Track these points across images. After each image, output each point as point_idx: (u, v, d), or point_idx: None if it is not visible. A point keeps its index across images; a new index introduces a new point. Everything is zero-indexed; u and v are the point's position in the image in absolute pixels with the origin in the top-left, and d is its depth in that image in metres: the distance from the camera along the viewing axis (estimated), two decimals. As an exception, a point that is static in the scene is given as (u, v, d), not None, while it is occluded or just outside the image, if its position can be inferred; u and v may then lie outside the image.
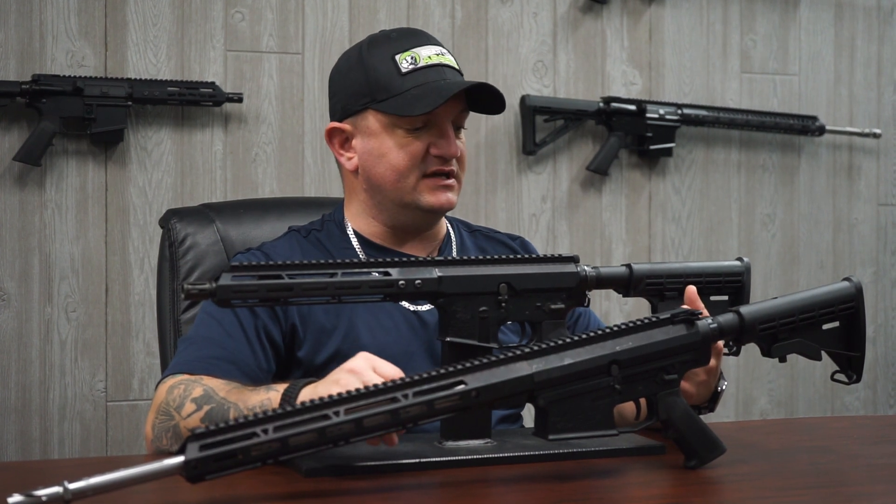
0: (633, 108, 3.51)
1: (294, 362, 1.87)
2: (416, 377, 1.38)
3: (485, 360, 1.42)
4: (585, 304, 1.74)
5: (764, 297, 1.73)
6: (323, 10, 3.25)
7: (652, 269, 1.77)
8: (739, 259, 1.84)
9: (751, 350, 1.73)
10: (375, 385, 1.37)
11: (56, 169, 3.02)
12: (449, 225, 2.03)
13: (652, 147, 3.54)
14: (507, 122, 3.44)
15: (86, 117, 3.00)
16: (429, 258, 1.67)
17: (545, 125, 3.45)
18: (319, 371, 1.85)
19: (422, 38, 1.93)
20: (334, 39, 3.25)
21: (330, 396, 1.34)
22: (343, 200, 2.02)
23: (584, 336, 1.48)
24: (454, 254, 1.99)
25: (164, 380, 1.75)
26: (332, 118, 1.96)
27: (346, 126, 1.93)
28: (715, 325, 1.57)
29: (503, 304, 1.66)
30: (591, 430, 1.48)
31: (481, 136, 3.40)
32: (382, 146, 1.89)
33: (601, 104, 3.49)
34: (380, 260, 1.66)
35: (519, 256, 1.70)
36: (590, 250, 3.52)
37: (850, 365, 1.72)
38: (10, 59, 2.99)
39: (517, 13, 3.45)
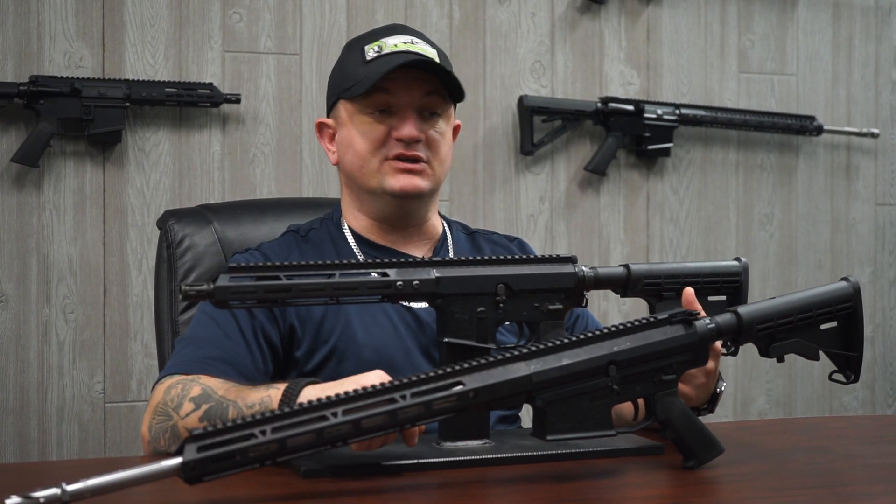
0: (630, 108, 3.51)
1: (291, 362, 1.87)
2: (414, 378, 1.38)
3: (483, 361, 1.42)
4: (583, 305, 1.74)
5: (762, 297, 1.73)
6: (321, 11, 3.25)
7: (650, 270, 1.77)
8: (737, 259, 1.84)
9: (749, 350, 1.73)
10: (373, 386, 1.36)
11: (54, 170, 3.02)
12: (446, 225, 2.04)
13: (650, 147, 3.54)
14: (505, 123, 3.44)
15: (84, 118, 2.99)
16: (426, 258, 1.67)
17: (543, 125, 3.45)
18: (316, 371, 1.85)
19: (396, 30, 1.96)
20: (332, 40, 3.25)
21: (328, 397, 1.34)
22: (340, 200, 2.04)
23: (582, 336, 1.48)
24: (450, 254, 1.99)
25: (162, 380, 1.75)
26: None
27: (329, 121, 1.99)
28: (713, 325, 1.57)
29: (501, 305, 1.66)
30: (590, 431, 1.48)
31: (479, 136, 3.40)
32: (350, 134, 1.93)
33: (599, 104, 3.49)
34: (377, 261, 1.66)
35: (517, 257, 1.70)
36: (588, 251, 3.52)
37: (848, 365, 1.72)
38: (8, 61, 2.98)
39: (515, 13, 3.45)
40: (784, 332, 1.64)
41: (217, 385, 1.68)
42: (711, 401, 1.77)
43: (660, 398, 1.53)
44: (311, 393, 1.56)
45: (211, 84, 3.09)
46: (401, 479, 1.49)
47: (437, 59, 1.90)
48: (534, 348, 1.46)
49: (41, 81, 2.96)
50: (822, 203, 3.83)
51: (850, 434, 1.94)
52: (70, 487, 1.21)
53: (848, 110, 3.86)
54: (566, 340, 1.47)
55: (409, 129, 1.88)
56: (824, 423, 2.34)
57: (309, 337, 1.86)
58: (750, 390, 3.73)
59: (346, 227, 1.98)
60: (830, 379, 1.74)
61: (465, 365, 1.41)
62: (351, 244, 1.95)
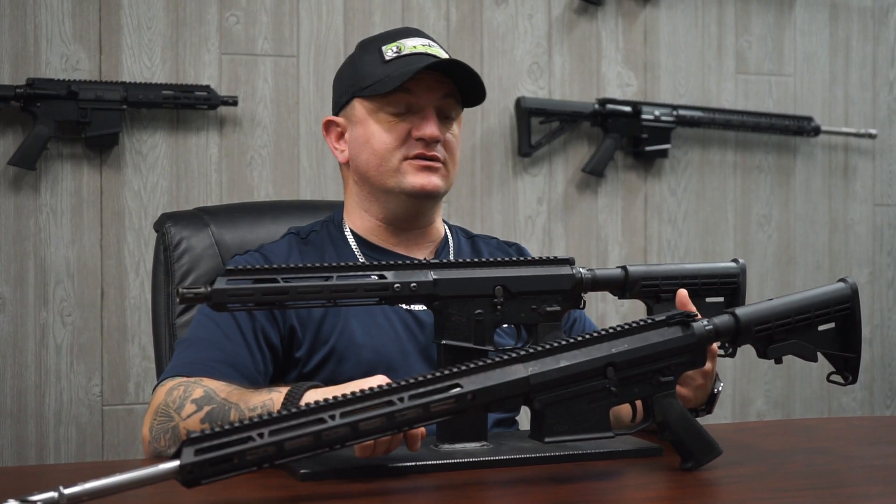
0: (628, 109, 3.51)
1: (291, 363, 1.87)
2: (412, 380, 1.38)
3: (480, 363, 1.42)
4: (581, 307, 1.74)
5: (760, 299, 1.73)
6: (318, 13, 3.25)
7: (647, 271, 1.77)
8: (735, 260, 1.84)
9: (747, 351, 1.73)
10: (371, 388, 1.36)
11: (51, 173, 3.02)
12: (447, 229, 2.04)
13: (647, 148, 3.54)
14: (503, 124, 3.44)
15: (80, 121, 2.99)
16: (424, 260, 1.67)
17: (540, 127, 3.45)
18: (314, 372, 1.85)
19: (413, 33, 1.97)
20: (329, 42, 3.25)
21: (326, 400, 1.34)
22: (343, 202, 2.03)
23: (579, 338, 1.48)
24: (451, 256, 1.99)
25: (163, 382, 1.75)
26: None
27: (339, 119, 1.97)
28: (710, 326, 1.57)
29: (499, 307, 1.66)
30: (588, 433, 1.48)
31: (477, 137, 3.40)
32: (367, 132, 1.92)
33: (596, 106, 3.49)
34: (375, 263, 1.66)
35: (514, 259, 1.69)
36: (585, 252, 3.51)
37: (847, 366, 1.72)
38: (5, 63, 2.98)
39: (512, 15, 3.45)
40: (782, 334, 1.64)
41: (219, 388, 1.68)
42: (709, 402, 1.77)
43: (658, 400, 1.53)
44: (314, 396, 1.55)
45: (208, 86, 3.09)
46: (399, 482, 1.49)
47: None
48: (531, 350, 1.45)
49: (38, 84, 2.95)
50: (820, 204, 3.83)
51: (848, 435, 1.94)
52: (67, 491, 1.20)
53: (845, 111, 3.86)
54: (564, 342, 1.47)
55: (431, 129, 1.89)
56: (823, 424, 2.34)
57: (309, 338, 1.86)
58: (748, 392, 3.73)
59: (347, 229, 1.97)
60: (829, 380, 1.74)
61: (463, 367, 1.41)
62: (352, 246, 1.95)
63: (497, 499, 1.49)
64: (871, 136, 3.82)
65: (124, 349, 3.07)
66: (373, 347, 1.86)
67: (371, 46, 1.95)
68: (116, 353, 3.07)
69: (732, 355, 1.69)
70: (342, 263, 1.62)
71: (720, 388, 1.77)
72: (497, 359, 1.43)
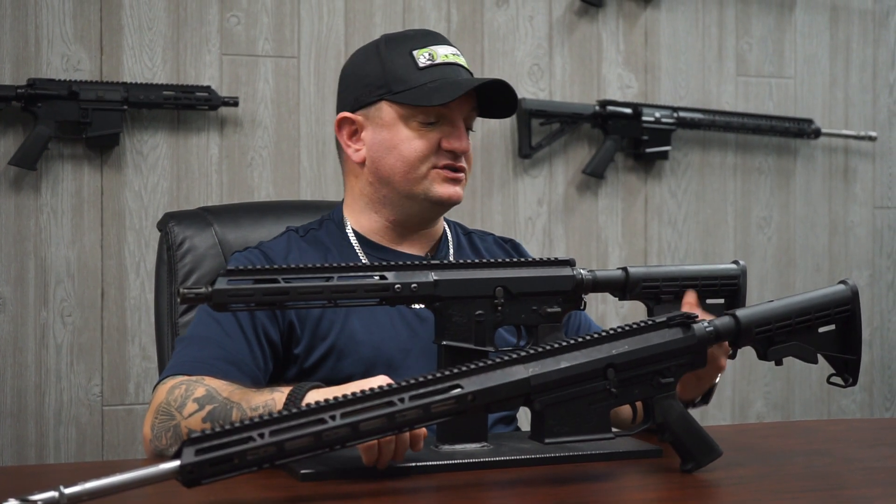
0: (628, 111, 3.51)
1: (291, 359, 1.87)
2: (413, 381, 1.38)
3: (481, 364, 1.42)
4: (581, 308, 1.74)
5: (760, 301, 1.73)
6: (319, 14, 3.25)
7: (648, 273, 1.77)
8: (735, 262, 1.83)
9: (747, 353, 1.73)
10: (372, 389, 1.36)
11: (52, 173, 3.02)
12: (446, 226, 2.04)
13: (648, 150, 3.54)
14: (503, 126, 3.44)
15: (81, 121, 2.99)
16: (426, 260, 1.67)
17: (541, 128, 3.45)
18: (314, 369, 1.85)
19: (439, 39, 1.96)
20: (330, 43, 3.25)
21: (326, 400, 1.34)
22: (342, 202, 2.02)
23: (580, 339, 1.48)
24: (450, 253, 1.99)
25: (164, 380, 1.75)
26: (341, 110, 1.97)
27: (357, 117, 1.94)
28: (711, 328, 1.57)
29: (499, 308, 1.66)
30: (588, 434, 1.48)
31: (477, 139, 3.40)
32: (395, 137, 1.90)
33: (597, 107, 3.49)
34: (376, 263, 1.66)
35: (515, 260, 1.70)
36: (586, 254, 3.52)
37: (847, 368, 1.71)
38: (6, 63, 2.98)
39: (513, 17, 3.46)
40: (782, 336, 1.64)
41: (221, 387, 1.68)
42: (707, 393, 1.77)
43: (658, 401, 1.53)
44: (316, 397, 1.55)
45: (209, 87, 3.09)
46: (399, 482, 1.49)
47: (473, 74, 1.95)
48: (532, 351, 1.46)
49: (39, 84, 2.96)
50: (820, 206, 3.83)
51: (848, 437, 1.94)
52: (68, 490, 1.20)
53: (846, 113, 3.86)
54: (564, 343, 1.47)
55: (463, 143, 1.90)
56: (822, 426, 2.34)
57: (308, 334, 1.86)
58: (748, 393, 3.73)
59: (349, 227, 1.97)
60: (829, 382, 1.74)
61: (464, 368, 1.41)
62: (354, 246, 1.95)
63: (497, 499, 1.49)
64: (872, 139, 3.82)
65: (124, 349, 3.07)
66: (373, 345, 1.86)
67: (400, 47, 1.92)
68: (116, 354, 3.07)
69: (733, 357, 1.69)
70: (343, 264, 1.62)
71: (717, 380, 1.77)
72: (498, 360, 1.43)
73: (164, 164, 3.11)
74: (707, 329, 1.56)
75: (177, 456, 1.28)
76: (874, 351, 3.89)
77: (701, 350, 1.56)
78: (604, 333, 1.50)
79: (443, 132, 1.90)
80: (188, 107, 3.08)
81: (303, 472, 1.48)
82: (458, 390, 1.39)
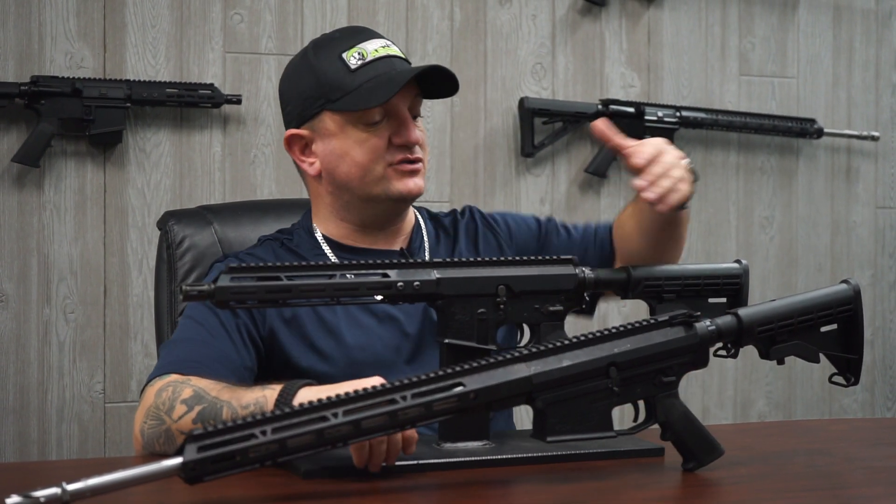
0: (631, 110, 3.51)
1: (275, 361, 1.85)
2: (415, 379, 1.38)
3: (483, 362, 1.42)
4: (584, 307, 1.74)
5: (762, 300, 1.73)
6: (322, 12, 3.26)
7: (650, 272, 1.77)
8: (738, 261, 1.84)
9: (749, 352, 1.73)
10: (374, 387, 1.37)
11: (55, 170, 3.02)
12: (417, 213, 2.03)
13: (650, 149, 3.54)
14: (506, 125, 3.44)
15: (84, 119, 3.00)
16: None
17: (544, 127, 3.45)
18: (301, 371, 1.84)
19: (366, 34, 1.93)
20: (333, 41, 3.25)
21: (328, 398, 1.34)
22: (309, 208, 2.01)
23: (582, 338, 1.48)
24: (425, 242, 1.98)
25: (151, 382, 1.72)
26: (289, 126, 1.95)
27: (304, 132, 1.93)
28: (713, 327, 1.57)
29: (502, 306, 1.67)
30: (590, 433, 1.48)
31: (480, 138, 3.40)
32: (344, 144, 1.88)
33: (600, 106, 3.49)
34: (377, 262, 1.66)
35: (518, 258, 1.70)
36: (588, 252, 3.51)
37: (848, 367, 1.72)
38: (9, 61, 2.99)
39: (516, 15, 3.46)
40: (784, 335, 1.64)
41: (209, 386, 1.65)
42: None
43: (660, 400, 1.53)
44: (307, 395, 1.54)
45: (212, 85, 3.10)
46: (400, 480, 1.49)
47: (408, 60, 1.93)
48: (534, 349, 1.46)
49: (42, 82, 2.96)
50: (823, 206, 3.83)
51: (849, 437, 1.94)
52: (70, 487, 1.21)
53: (848, 113, 3.86)
54: (566, 342, 1.47)
55: (413, 134, 1.88)
56: (824, 425, 2.34)
57: (294, 339, 1.85)
58: (750, 393, 3.73)
59: (318, 234, 1.95)
60: (830, 381, 1.74)
61: (466, 366, 1.41)
62: (325, 251, 1.93)
63: (499, 498, 1.49)
64: (874, 139, 3.82)
65: (127, 346, 3.07)
66: (359, 346, 1.86)
67: (328, 52, 1.89)
68: (119, 351, 3.07)
69: (735, 356, 1.69)
70: (345, 262, 1.62)
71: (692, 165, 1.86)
72: (500, 358, 1.43)
73: (167, 161, 3.11)
74: (709, 328, 1.56)
75: (179, 453, 1.28)
76: (876, 351, 3.89)
77: (703, 349, 1.56)
78: (606, 332, 1.50)
79: (391, 128, 1.87)
80: (191, 104, 3.08)
81: (304, 469, 1.48)
82: (460, 388, 1.40)
